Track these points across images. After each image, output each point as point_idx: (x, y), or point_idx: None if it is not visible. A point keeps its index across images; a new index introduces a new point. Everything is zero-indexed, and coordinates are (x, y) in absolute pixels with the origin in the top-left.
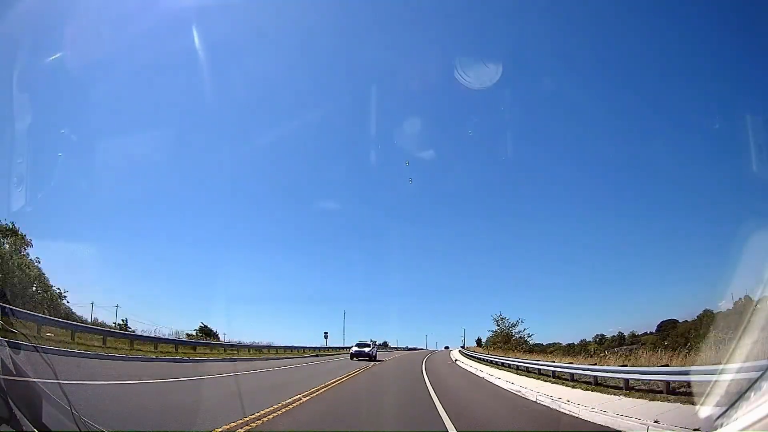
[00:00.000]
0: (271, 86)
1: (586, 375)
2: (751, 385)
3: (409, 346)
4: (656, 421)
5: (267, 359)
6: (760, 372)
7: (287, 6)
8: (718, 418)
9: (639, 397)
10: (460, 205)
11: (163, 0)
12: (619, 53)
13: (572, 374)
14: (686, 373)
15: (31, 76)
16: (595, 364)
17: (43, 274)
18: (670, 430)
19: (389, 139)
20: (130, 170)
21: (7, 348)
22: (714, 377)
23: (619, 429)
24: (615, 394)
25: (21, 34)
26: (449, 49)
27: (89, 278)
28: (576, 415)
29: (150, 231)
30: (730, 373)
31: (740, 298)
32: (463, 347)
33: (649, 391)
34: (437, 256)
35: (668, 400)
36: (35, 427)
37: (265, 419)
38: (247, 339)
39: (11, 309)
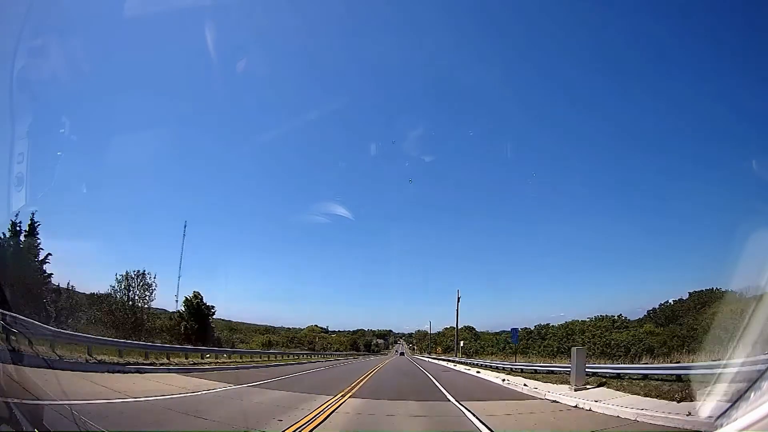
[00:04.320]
0: (283, 89)
1: None
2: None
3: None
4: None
5: None
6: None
7: (291, 8)
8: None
9: None
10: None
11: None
12: (621, 54)
13: None
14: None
15: (32, 76)
16: None
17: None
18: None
19: (390, 144)
20: (133, 170)
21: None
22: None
23: None
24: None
25: (22, 34)
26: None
27: (89, 277)
28: None
29: (149, 230)
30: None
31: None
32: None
33: None
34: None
35: None
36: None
37: None
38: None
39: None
